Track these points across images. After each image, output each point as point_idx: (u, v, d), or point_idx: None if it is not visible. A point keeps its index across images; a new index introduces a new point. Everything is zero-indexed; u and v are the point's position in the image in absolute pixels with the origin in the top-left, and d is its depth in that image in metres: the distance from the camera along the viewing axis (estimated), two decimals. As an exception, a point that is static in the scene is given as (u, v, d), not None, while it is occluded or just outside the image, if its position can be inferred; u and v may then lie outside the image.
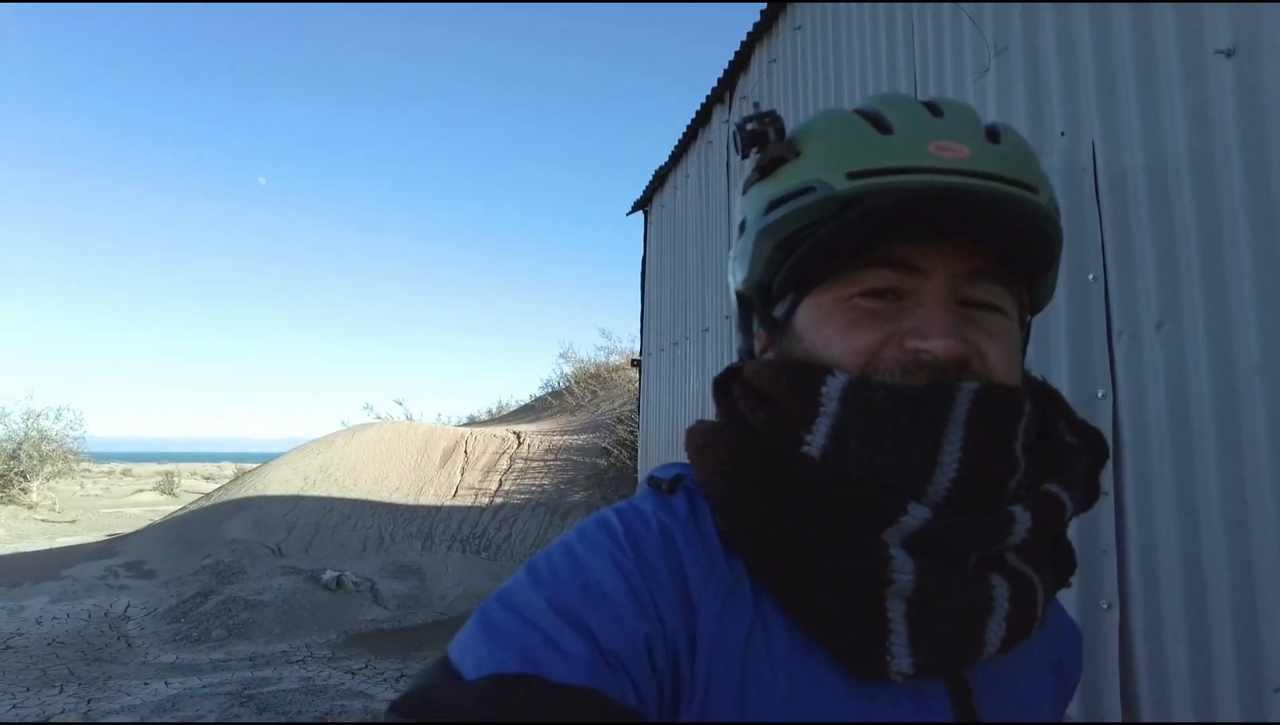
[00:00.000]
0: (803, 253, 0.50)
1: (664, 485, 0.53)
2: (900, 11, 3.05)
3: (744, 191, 0.58)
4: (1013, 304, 0.53)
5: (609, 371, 17.79)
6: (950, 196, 0.47)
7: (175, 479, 26.43)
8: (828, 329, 0.50)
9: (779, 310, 0.55)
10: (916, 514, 0.46)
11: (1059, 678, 0.61)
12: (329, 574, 9.13)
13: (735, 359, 0.62)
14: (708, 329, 5.09)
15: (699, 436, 0.56)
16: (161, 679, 6.59)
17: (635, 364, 7.50)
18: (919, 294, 0.49)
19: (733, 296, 0.60)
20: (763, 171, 0.55)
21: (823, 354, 0.50)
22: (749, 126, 0.54)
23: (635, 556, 0.47)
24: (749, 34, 4.38)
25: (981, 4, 2.52)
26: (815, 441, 0.49)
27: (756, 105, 0.58)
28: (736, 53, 4.58)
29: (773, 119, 0.54)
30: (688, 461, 0.57)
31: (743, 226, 0.57)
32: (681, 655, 0.45)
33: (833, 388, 0.48)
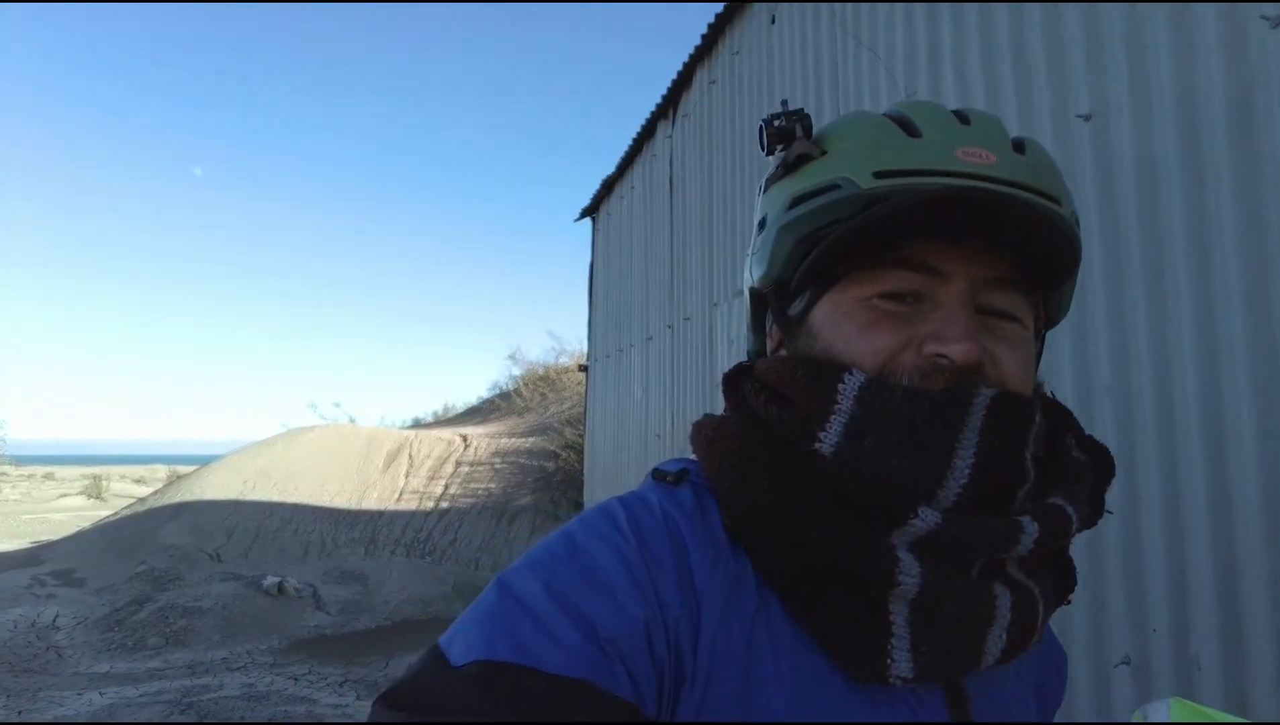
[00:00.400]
0: (824, 248, 0.50)
1: (669, 477, 0.53)
2: (826, 45, 3.29)
3: (764, 190, 0.57)
4: (1029, 314, 0.53)
5: (557, 373, 17.85)
6: (975, 198, 0.47)
7: (104, 482, 25.37)
8: (847, 328, 0.50)
9: (795, 307, 0.54)
10: (927, 517, 0.46)
11: (1041, 700, 0.60)
12: (270, 580, 9.02)
13: (730, 359, 0.70)
14: (651, 338, 5.27)
15: (708, 430, 0.55)
16: (95, 689, 6.46)
17: (583, 369, 7.65)
18: (938, 297, 0.49)
19: (746, 295, 0.60)
20: (788, 167, 0.54)
21: (840, 352, 0.50)
22: (776, 123, 0.53)
23: (638, 542, 0.47)
24: (691, 56, 4.58)
25: (896, 50, 2.76)
26: (829, 439, 0.48)
27: (784, 103, 0.57)
28: (679, 72, 4.78)
29: (800, 116, 0.53)
30: (687, 457, 0.57)
31: (762, 223, 0.56)
32: (684, 643, 0.44)
33: (849, 386, 0.48)
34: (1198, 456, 1.68)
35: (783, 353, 0.55)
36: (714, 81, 4.42)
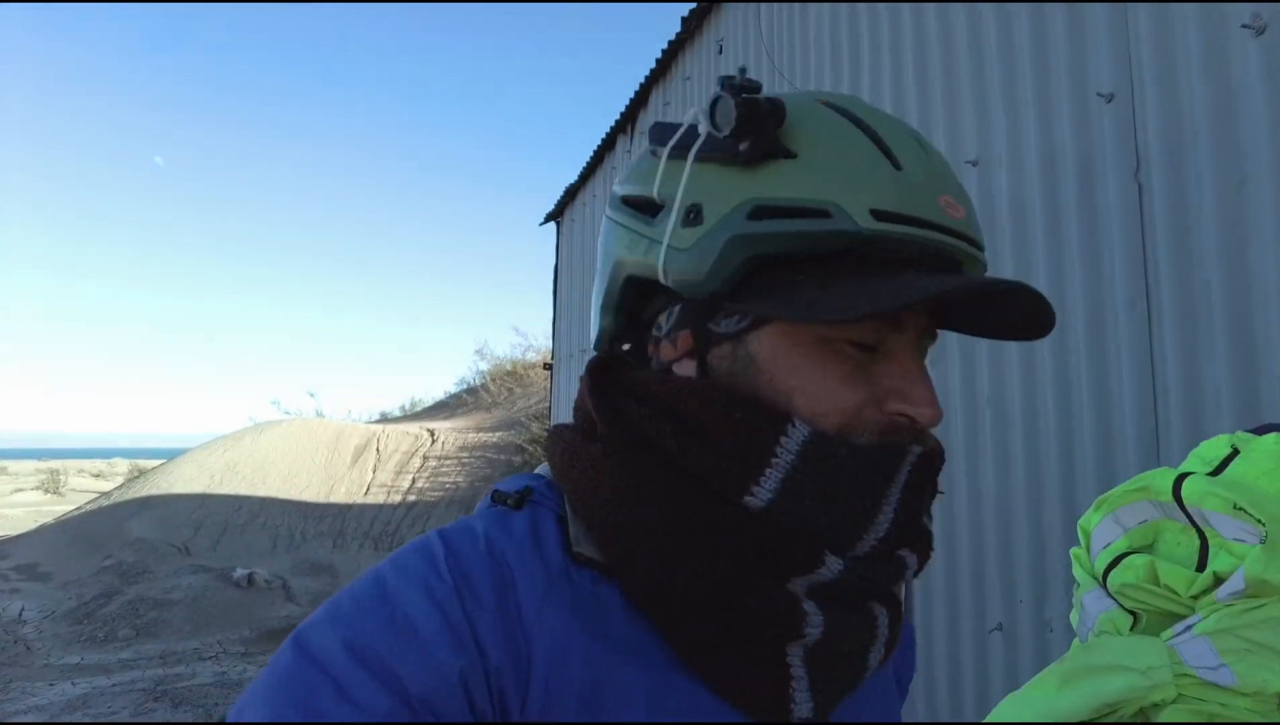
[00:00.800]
0: (819, 290, 0.44)
1: (509, 500, 0.48)
2: (765, 80, 3.60)
3: (686, 159, 0.48)
4: None
5: (525, 369, 18.03)
6: (958, 257, 0.46)
7: (61, 477, 24.92)
8: (808, 372, 0.45)
9: (725, 324, 0.47)
10: (832, 566, 0.45)
11: (898, 679, 0.62)
12: (240, 572, 9.16)
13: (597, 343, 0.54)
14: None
15: (566, 446, 0.50)
16: (68, 679, 6.58)
17: (548, 367, 7.92)
18: (889, 346, 0.46)
19: (609, 271, 0.52)
20: (743, 158, 0.45)
21: (794, 397, 0.45)
22: (746, 97, 0.45)
23: (455, 582, 0.42)
24: (647, 77, 4.87)
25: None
26: (762, 494, 0.44)
27: (743, 70, 0.48)
28: (636, 92, 5.07)
29: (775, 105, 0.46)
30: (535, 473, 0.53)
31: (693, 212, 0.46)
32: (509, 689, 0.41)
33: (794, 440, 0.44)
34: (1053, 452, 2.03)
35: (688, 370, 0.48)
36: (668, 103, 4.72)
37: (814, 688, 0.46)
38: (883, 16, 2.75)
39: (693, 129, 0.48)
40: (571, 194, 6.92)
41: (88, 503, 13.83)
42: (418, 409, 20.28)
